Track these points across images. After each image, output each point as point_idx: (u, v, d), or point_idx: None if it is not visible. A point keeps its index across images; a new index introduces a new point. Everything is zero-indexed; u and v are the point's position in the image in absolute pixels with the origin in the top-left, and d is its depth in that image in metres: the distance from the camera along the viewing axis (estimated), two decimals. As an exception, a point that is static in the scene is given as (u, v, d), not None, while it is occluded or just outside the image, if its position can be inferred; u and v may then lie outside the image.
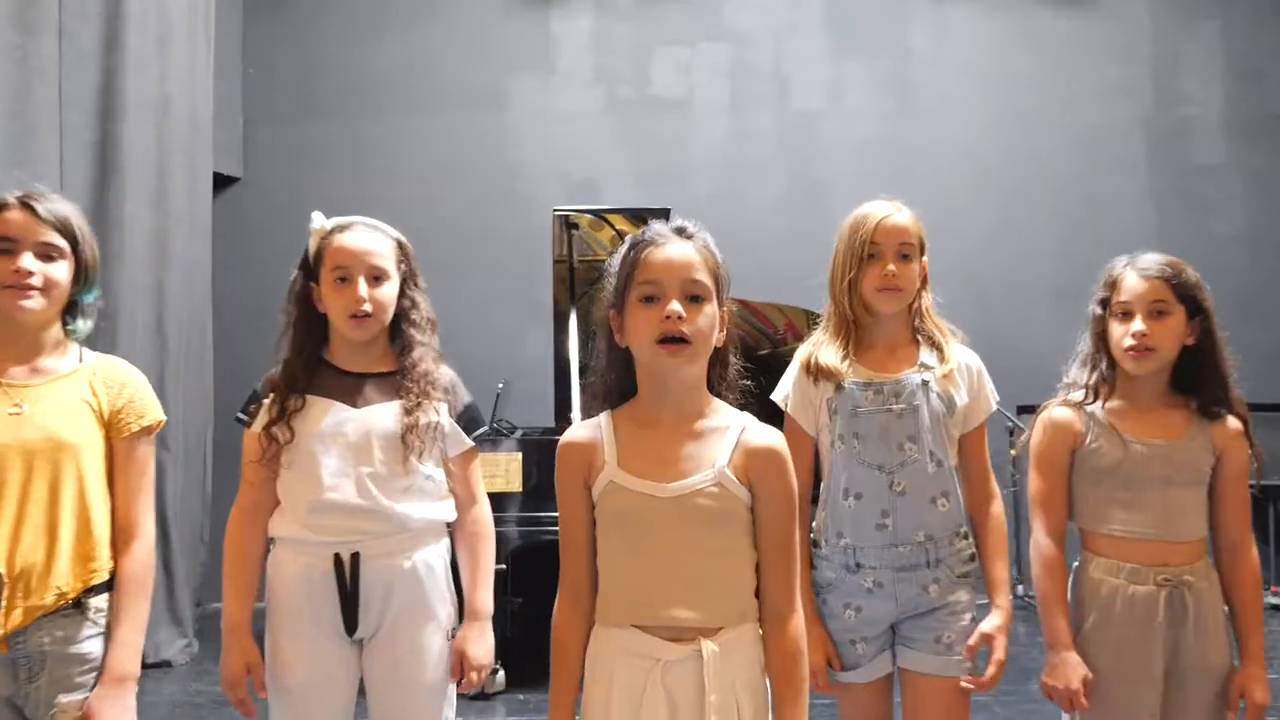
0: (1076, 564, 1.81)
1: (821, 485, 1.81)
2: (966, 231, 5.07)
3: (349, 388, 1.78)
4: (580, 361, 3.79)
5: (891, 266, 1.76)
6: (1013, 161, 5.27)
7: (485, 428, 1.88)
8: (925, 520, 1.73)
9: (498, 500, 3.42)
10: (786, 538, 1.39)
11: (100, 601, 1.63)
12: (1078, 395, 1.80)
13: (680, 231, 1.41)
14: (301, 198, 5.45)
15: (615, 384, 1.47)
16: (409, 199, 5.32)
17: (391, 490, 1.72)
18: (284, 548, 1.76)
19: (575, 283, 4.02)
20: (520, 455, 3.44)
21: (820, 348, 1.81)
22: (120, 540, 1.66)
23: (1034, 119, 5.29)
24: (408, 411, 1.74)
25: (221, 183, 5.23)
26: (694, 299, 1.37)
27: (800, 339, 5.11)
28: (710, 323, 1.37)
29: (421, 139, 5.39)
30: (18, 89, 3.61)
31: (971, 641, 1.72)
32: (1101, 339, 1.81)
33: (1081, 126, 5.28)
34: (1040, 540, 1.79)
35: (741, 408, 1.46)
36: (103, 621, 1.63)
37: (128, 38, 3.95)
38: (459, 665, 1.77)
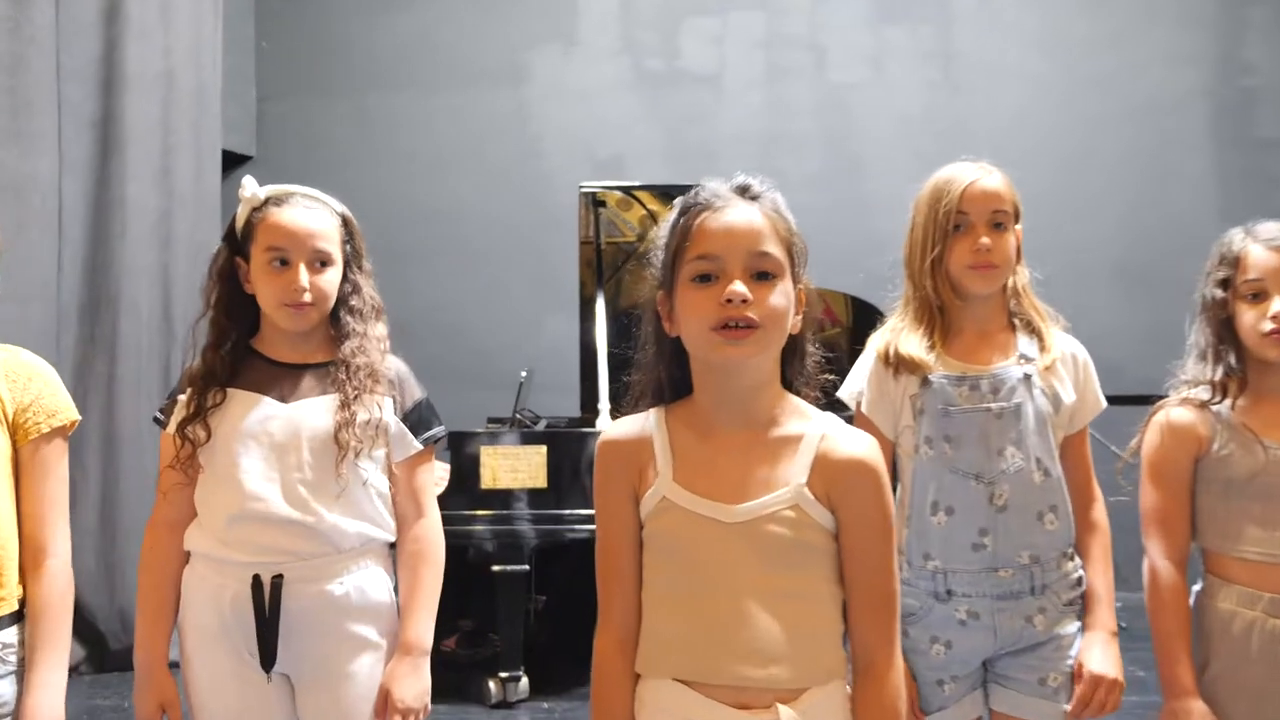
0: (1197, 590, 1.55)
1: (898, 496, 1.56)
2: (1016, 210, 4.77)
3: (279, 380, 1.54)
4: (609, 350, 3.55)
5: (985, 239, 1.50)
6: (1066, 135, 4.95)
7: (440, 429, 1.63)
8: (1031, 540, 1.48)
9: (519, 497, 3.22)
10: (881, 572, 1.13)
11: (8, 636, 1.39)
12: (1201, 393, 1.53)
13: (743, 191, 1.15)
14: (317, 177, 5.22)
15: (667, 382, 1.20)
16: (426, 177, 5.11)
17: (323, 500, 1.49)
18: (199, 564, 1.53)
19: (602, 265, 3.78)
20: (544, 449, 3.21)
21: (899, 335, 1.55)
22: (30, 562, 1.42)
23: (1089, 89, 4.97)
24: (343, 406, 1.49)
25: (233, 161, 5.03)
26: (762, 276, 1.10)
27: (839, 325, 4.74)
28: (783, 303, 1.10)
29: (439, 115, 5.16)
30: (12, 61, 3.41)
31: (1073, 707, 1.47)
32: (1226, 326, 1.53)
33: (1140, 97, 4.96)
34: (1159, 565, 1.52)
35: (825, 407, 1.21)
36: (12, 659, 1.39)
37: (128, 7, 3.75)
38: (383, 705, 1.51)
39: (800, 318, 1.16)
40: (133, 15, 3.76)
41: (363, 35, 5.19)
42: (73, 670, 3.61)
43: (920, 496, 1.52)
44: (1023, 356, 1.53)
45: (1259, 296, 1.49)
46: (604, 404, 3.46)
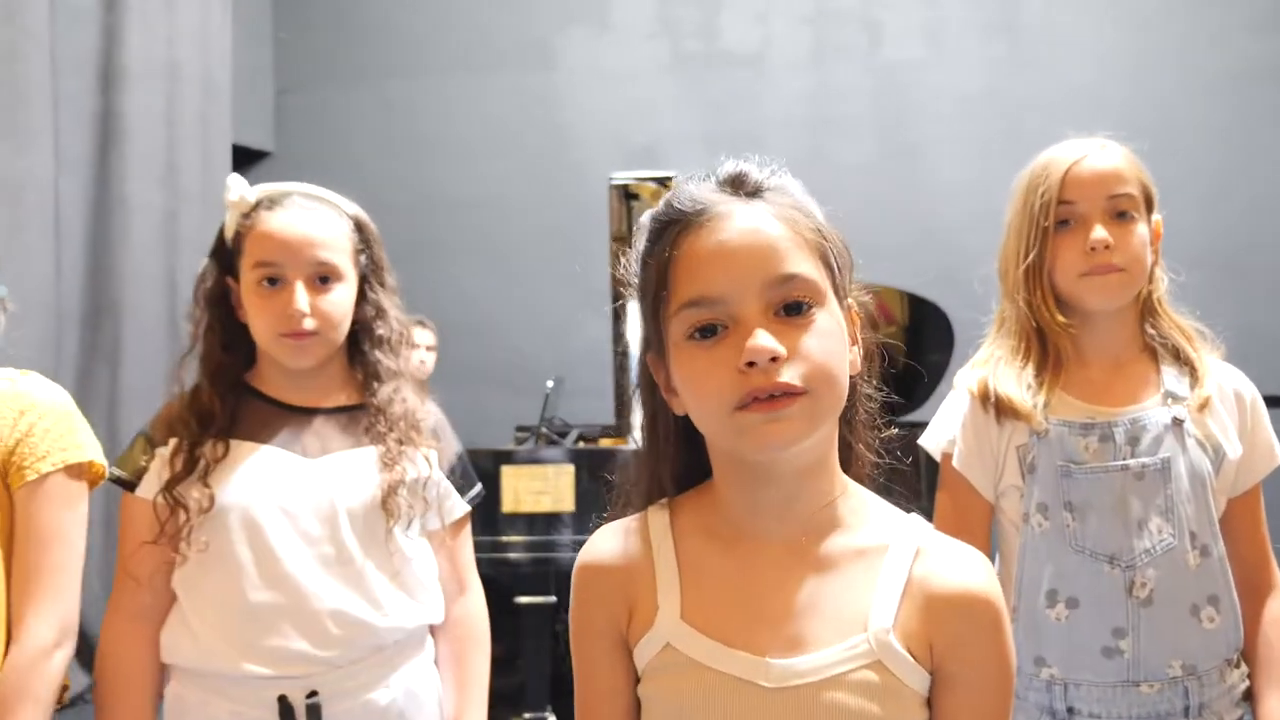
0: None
1: (998, 576, 1.22)
2: (1089, 195, 4.36)
3: (291, 427, 1.24)
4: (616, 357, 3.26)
5: (1100, 230, 1.16)
6: (1143, 111, 4.52)
7: (480, 487, 1.37)
8: (1184, 644, 1.14)
9: (546, 521, 2.93)
10: None
11: None
12: None
13: (738, 185, 0.78)
14: (338, 170, 4.99)
15: (671, 474, 0.84)
16: (452, 168, 4.84)
17: (371, 585, 1.18)
18: (191, 684, 1.19)
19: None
20: (572, 469, 2.91)
21: (997, 367, 1.21)
22: (10, 638, 1.13)
23: (1168, 60, 4.54)
24: (387, 463, 1.20)
25: (252, 158, 4.80)
26: (793, 309, 0.74)
27: (893, 323, 4.36)
28: (834, 346, 0.74)
29: (464, 102, 4.88)
30: (5, 52, 3.19)
31: None
32: None
33: (1225, 67, 4.51)
34: None
35: (881, 477, 0.84)
36: None
37: (129, -7, 3.52)
38: None
39: (858, 349, 0.79)
40: (133, 2, 3.53)
41: (384, 20, 4.93)
42: (78, 699, 3.40)
43: (1031, 582, 1.17)
44: (1169, 394, 1.18)
45: None
46: (638, 415, 3.16)
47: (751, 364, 0.71)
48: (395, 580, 1.21)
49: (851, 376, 0.79)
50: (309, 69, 4.95)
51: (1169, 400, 1.18)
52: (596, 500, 2.91)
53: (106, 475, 1.22)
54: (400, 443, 1.23)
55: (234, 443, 1.21)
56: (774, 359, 0.71)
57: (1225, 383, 1.21)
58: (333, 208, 1.27)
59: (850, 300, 0.80)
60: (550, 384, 3.37)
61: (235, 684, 1.16)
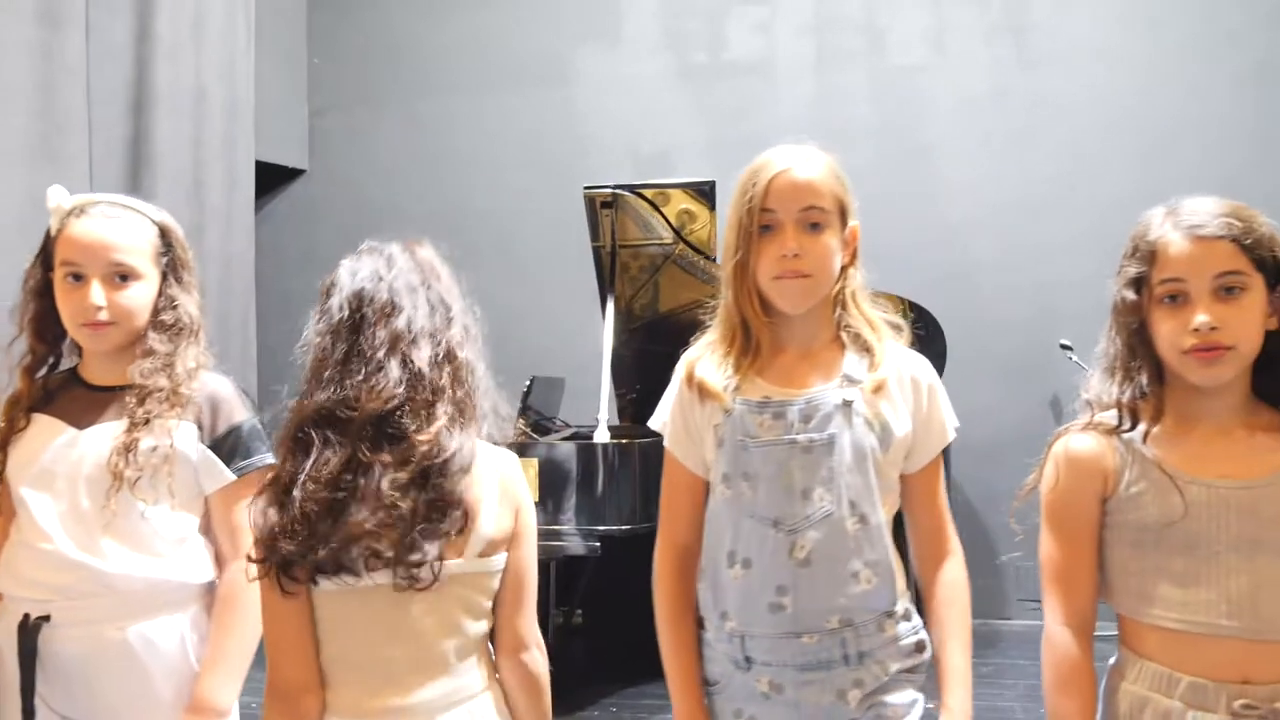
0: (1111, 664, 1.25)
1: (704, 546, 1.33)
2: (1101, 195, 4.29)
3: (87, 406, 1.45)
4: (611, 360, 3.43)
5: (792, 243, 1.25)
6: (1158, 109, 4.42)
7: (262, 458, 1.47)
8: (838, 600, 1.23)
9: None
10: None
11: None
12: (1108, 418, 1.24)
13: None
14: (368, 186, 5.35)
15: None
16: (477, 181, 5.07)
17: (96, 535, 1.38)
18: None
19: (616, 268, 3.64)
20: (535, 461, 3.07)
21: (704, 351, 1.33)
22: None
23: (1184, 57, 4.43)
24: (127, 431, 1.39)
25: (286, 176, 5.14)
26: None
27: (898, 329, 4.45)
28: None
29: (485, 119, 5.11)
30: (44, 86, 3.52)
31: None
32: (1140, 336, 1.21)
33: (1246, 63, 4.38)
34: (1054, 633, 1.23)
35: None
36: None
37: (159, 28, 3.84)
38: None
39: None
40: (164, 35, 3.85)
41: (411, 43, 5.20)
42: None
43: (716, 544, 1.29)
44: (846, 378, 1.27)
45: (1178, 300, 1.19)
46: (603, 413, 3.31)
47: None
48: (119, 535, 1.38)
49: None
50: (340, 91, 5.26)
51: (845, 383, 1.26)
52: (560, 491, 3.08)
53: None
54: (146, 414, 1.39)
55: (35, 416, 1.45)
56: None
57: (904, 368, 1.29)
58: (137, 214, 1.48)
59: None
60: (528, 383, 3.53)
61: (8, 603, 1.42)
